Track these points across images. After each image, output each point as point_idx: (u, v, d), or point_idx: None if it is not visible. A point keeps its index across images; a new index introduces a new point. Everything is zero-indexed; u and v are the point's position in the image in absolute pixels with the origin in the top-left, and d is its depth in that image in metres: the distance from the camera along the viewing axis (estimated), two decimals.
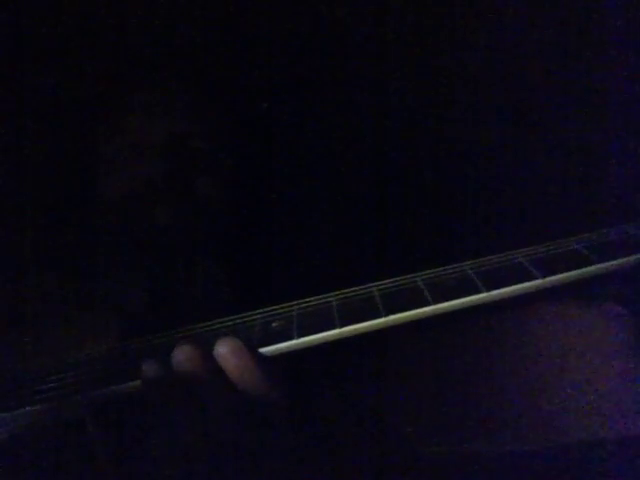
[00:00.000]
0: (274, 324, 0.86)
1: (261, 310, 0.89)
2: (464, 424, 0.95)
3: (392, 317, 0.83)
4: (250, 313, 0.89)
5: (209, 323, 0.90)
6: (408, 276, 0.90)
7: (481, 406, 0.95)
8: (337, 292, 0.90)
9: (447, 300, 0.83)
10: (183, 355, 0.78)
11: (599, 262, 0.85)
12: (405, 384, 1.01)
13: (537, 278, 0.84)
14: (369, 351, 0.97)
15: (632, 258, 0.84)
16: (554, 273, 0.85)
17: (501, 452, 0.94)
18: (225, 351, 0.78)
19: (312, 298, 0.90)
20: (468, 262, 0.89)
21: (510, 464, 0.94)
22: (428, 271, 0.89)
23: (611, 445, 0.92)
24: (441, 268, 0.89)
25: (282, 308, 0.89)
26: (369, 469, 0.91)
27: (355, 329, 0.83)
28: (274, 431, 0.78)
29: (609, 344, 0.98)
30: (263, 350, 0.83)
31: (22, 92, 1.08)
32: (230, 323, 0.89)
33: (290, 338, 0.83)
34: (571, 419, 0.94)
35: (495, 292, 0.84)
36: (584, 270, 0.85)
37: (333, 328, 0.83)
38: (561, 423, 0.95)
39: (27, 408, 0.82)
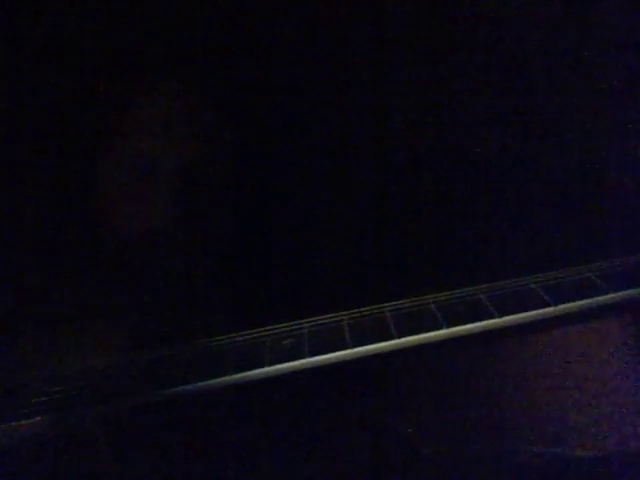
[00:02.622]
0: (285, 341, 0.86)
1: (272, 327, 0.89)
2: (464, 424, 0.94)
3: (404, 339, 0.83)
4: (261, 329, 0.89)
5: (219, 338, 0.89)
6: (420, 298, 0.90)
7: (481, 406, 0.94)
8: (348, 311, 0.90)
9: (459, 325, 0.83)
10: None
11: (611, 291, 0.85)
12: (408, 387, 1.00)
13: (550, 305, 0.85)
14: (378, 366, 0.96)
15: None
16: (566, 301, 0.85)
17: (501, 452, 0.94)
18: None
19: (323, 316, 0.89)
20: (481, 286, 0.90)
21: (510, 464, 0.94)
22: (440, 294, 0.89)
23: (612, 446, 0.92)
24: (453, 291, 0.90)
25: (293, 325, 0.89)
26: (369, 469, 0.91)
27: (367, 350, 0.83)
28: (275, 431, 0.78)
29: (609, 345, 0.97)
30: (274, 368, 0.83)
31: (23, 99, 1.08)
32: (239, 339, 0.89)
33: (302, 356, 0.83)
34: (571, 418, 0.94)
35: (507, 318, 0.84)
36: (596, 299, 0.85)
37: (345, 348, 0.83)
38: (561, 423, 0.94)
39: (30, 419, 0.82)
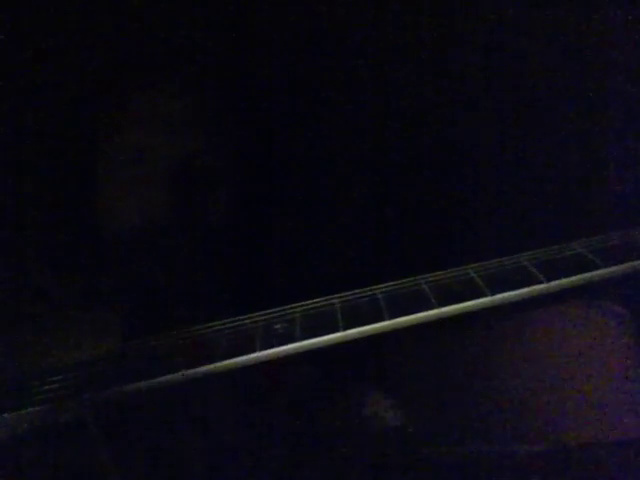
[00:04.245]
0: (277, 326, 0.86)
1: (264, 312, 0.88)
2: (464, 424, 0.95)
3: (396, 320, 0.82)
4: (253, 315, 0.88)
5: (211, 324, 0.89)
6: (412, 278, 0.89)
7: (481, 406, 0.95)
8: (340, 294, 0.89)
9: (452, 304, 0.83)
10: None
11: (604, 266, 0.84)
12: (406, 384, 1.01)
13: (542, 282, 0.84)
14: (370, 350, 0.97)
15: (637, 263, 0.84)
16: (559, 277, 0.84)
17: (501, 452, 0.95)
18: None
19: (315, 300, 0.89)
20: (472, 265, 0.89)
21: (510, 464, 0.94)
22: (432, 274, 0.89)
23: (610, 445, 0.92)
24: (445, 271, 0.89)
25: (285, 310, 0.88)
26: (369, 469, 0.91)
27: (359, 332, 0.82)
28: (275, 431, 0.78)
29: (609, 344, 0.98)
30: (266, 353, 0.82)
31: (24, 97, 1.08)
32: (232, 325, 0.89)
33: (293, 340, 0.83)
34: (570, 418, 0.94)
35: (500, 296, 0.83)
36: (589, 274, 0.85)
37: (337, 331, 0.82)
38: (561, 423, 0.95)
39: (29, 409, 0.82)
